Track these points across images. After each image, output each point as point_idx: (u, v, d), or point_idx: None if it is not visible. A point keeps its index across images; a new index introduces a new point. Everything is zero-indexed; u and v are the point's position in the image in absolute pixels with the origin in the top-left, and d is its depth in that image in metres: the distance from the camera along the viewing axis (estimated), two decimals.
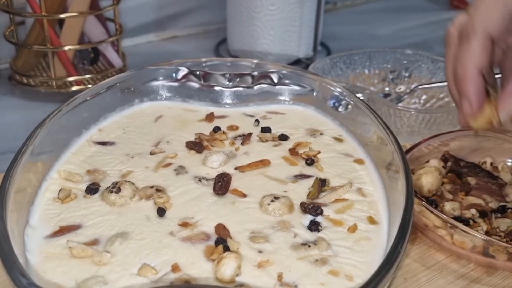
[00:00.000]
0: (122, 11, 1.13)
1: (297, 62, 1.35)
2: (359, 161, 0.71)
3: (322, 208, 0.62)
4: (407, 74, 1.08)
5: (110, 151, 0.72)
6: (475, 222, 0.73)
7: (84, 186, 0.65)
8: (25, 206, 0.60)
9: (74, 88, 1.13)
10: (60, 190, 0.63)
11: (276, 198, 0.62)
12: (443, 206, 0.75)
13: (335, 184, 0.67)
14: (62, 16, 1.08)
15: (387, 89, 1.07)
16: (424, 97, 1.04)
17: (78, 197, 0.63)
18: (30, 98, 1.16)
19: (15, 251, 0.48)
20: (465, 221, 0.73)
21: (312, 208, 0.61)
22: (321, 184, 0.66)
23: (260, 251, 0.56)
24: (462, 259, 0.70)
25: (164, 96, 0.84)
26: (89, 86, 1.14)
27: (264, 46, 1.30)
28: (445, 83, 0.93)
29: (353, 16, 1.73)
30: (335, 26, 1.58)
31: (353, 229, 0.59)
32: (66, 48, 1.10)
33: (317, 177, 0.66)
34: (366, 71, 1.08)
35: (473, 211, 0.76)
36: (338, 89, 0.78)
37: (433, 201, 0.76)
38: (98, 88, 0.77)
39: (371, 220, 0.61)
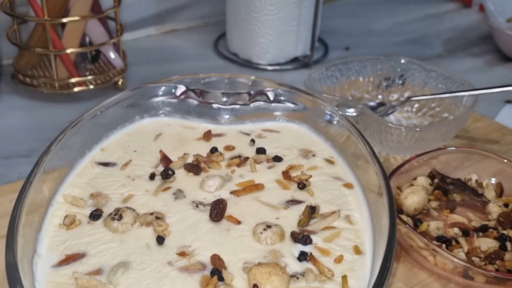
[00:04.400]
0: (121, 5, 1.15)
1: (294, 60, 1.38)
2: (348, 186, 0.75)
3: (312, 236, 0.66)
4: (400, 82, 1.11)
5: (112, 173, 0.75)
6: (457, 242, 0.77)
7: (87, 211, 0.69)
8: (33, 234, 0.64)
9: (76, 89, 1.16)
10: (65, 216, 0.67)
11: (268, 226, 0.66)
12: (428, 225, 0.79)
13: (325, 210, 0.71)
14: (64, 20, 1.10)
15: (380, 97, 1.10)
16: (416, 105, 1.07)
17: (82, 223, 0.67)
18: (33, 98, 1.19)
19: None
20: (448, 241, 0.77)
21: (302, 237, 0.65)
22: (311, 211, 0.69)
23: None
24: (443, 279, 0.74)
25: (164, 112, 0.87)
26: (91, 87, 1.17)
27: (262, 45, 1.33)
28: (436, 96, 0.96)
29: (351, 8, 1.75)
30: (333, 20, 1.60)
31: (339, 260, 0.63)
32: (68, 51, 1.13)
33: (307, 205, 0.70)
34: (361, 78, 1.11)
35: (456, 230, 0.80)
36: (328, 110, 0.82)
37: (418, 219, 0.80)
38: (101, 107, 0.80)
39: (357, 250, 0.65)
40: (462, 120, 0.96)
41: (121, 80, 1.21)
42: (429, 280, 0.74)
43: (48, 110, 1.16)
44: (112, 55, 1.21)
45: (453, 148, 0.89)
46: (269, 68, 1.35)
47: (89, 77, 1.18)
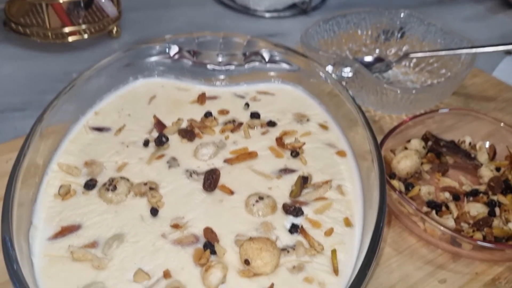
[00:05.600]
0: None
1: (292, 6, 1.35)
2: (341, 153, 0.76)
3: (303, 207, 0.68)
4: (399, 35, 1.09)
5: (106, 139, 0.76)
6: (447, 207, 0.79)
7: (82, 180, 0.69)
8: (29, 205, 0.65)
9: (70, 38, 1.14)
10: (60, 186, 0.68)
11: (261, 198, 0.67)
12: (420, 190, 0.80)
13: (317, 179, 0.72)
14: None
15: (378, 51, 1.08)
16: (414, 61, 1.06)
17: (77, 193, 0.68)
18: (26, 47, 1.17)
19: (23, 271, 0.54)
20: (438, 206, 0.78)
21: (293, 210, 0.66)
22: (304, 181, 0.70)
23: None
24: (431, 245, 0.76)
25: (158, 73, 0.86)
26: (85, 36, 1.15)
27: None
28: (434, 53, 0.95)
29: None
30: None
31: (329, 232, 0.65)
32: (61, 0, 1.10)
33: (299, 176, 0.71)
34: (359, 31, 1.09)
35: (447, 194, 0.81)
36: (322, 73, 0.81)
37: (410, 184, 0.81)
38: (95, 70, 0.79)
39: (347, 222, 0.66)
40: (459, 79, 0.95)
41: (115, 29, 1.19)
42: (418, 245, 0.76)
43: (41, 60, 1.15)
44: (106, 2, 1.18)
45: (448, 110, 0.89)
46: (267, 15, 1.32)
47: (83, 26, 1.16)
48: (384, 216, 0.60)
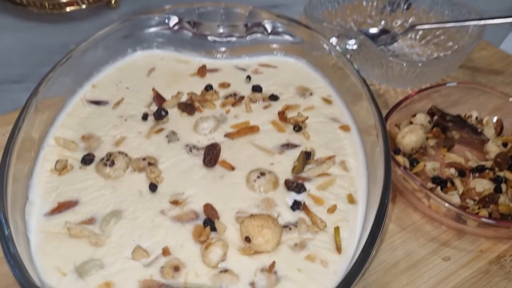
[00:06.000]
0: None
1: None
2: (345, 128, 0.74)
3: (305, 183, 0.66)
4: (405, 7, 1.06)
5: (104, 112, 0.74)
6: (452, 183, 0.77)
7: (79, 155, 0.68)
8: (24, 180, 0.64)
9: (68, 9, 1.11)
10: (57, 161, 0.66)
11: (262, 174, 0.65)
12: (424, 166, 0.79)
13: (320, 155, 0.70)
14: None
15: (383, 22, 1.05)
16: (420, 33, 1.03)
17: (74, 168, 0.66)
18: (24, 18, 1.15)
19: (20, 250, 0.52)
20: (443, 182, 0.77)
21: (295, 186, 0.65)
22: (306, 157, 0.68)
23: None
24: (435, 222, 0.75)
25: (157, 45, 0.84)
26: (83, 6, 1.12)
27: None
28: (441, 25, 0.93)
29: None
30: None
31: (332, 209, 0.63)
32: None
33: (302, 151, 0.69)
34: (364, 2, 1.06)
35: (452, 170, 0.80)
36: (326, 45, 0.79)
37: (415, 159, 0.80)
38: (92, 41, 0.77)
39: (350, 199, 0.65)
40: (466, 52, 0.92)
41: None
42: (422, 222, 0.75)
43: (39, 31, 1.12)
44: None
45: (455, 84, 0.86)
46: None
47: None
48: (389, 194, 0.58)
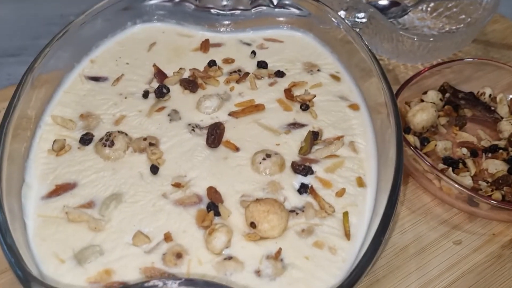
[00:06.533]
0: None
1: None
2: (354, 107, 0.71)
3: (313, 165, 0.63)
4: None
5: (103, 89, 0.71)
6: (464, 164, 0.74)
7: (78, 134, 0.65)
8: (20, 161, 0.61)
9: None
10: (54, 141, 0.64)
11: (268, 156, 0.62)
12: (436, 145, 0.76)
13: (328, 135, 0.67)
14: None
15: None
16: (432, 5, 0.99)
17: (73, 149, 0.64)
18: None
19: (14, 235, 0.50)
20: (455, 163, 0.74)
21: (303, 169, 0.62)
22: (314, 137, 0.66)
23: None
24: (447, 204, 0.72)
25: (158, 18, 0.80)
26: None
27: None
28: None
29: None
30: None
31: (340, 193, 0.61)
32: None
33: (309, 131, 0.66)
34: None
35: (464, 150, 0.77)
36: (334, 18, 0.75)
37: (426, 138, 0.77)
38: (90, 14, 0.73)
39: (360, 182, 0.62)
40: (480, 25, 0.89)
41: None
42: (432, 204, 0.72)
43: (35, 1, 1.09)
44: None
45: (470, 59, 0.83)
46: None
47: None
48: (401, 177, 0.55)
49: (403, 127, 0.77)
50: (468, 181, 0.71)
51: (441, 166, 0.74)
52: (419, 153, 0.71)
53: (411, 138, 0.75)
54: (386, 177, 0.59)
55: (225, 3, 0.79)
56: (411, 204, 0.72)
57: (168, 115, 0.68)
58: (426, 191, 0.74)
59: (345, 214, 0.59)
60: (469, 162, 0.74)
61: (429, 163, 0.69)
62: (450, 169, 0.73)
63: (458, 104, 0.82)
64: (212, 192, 0.60)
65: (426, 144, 0.76)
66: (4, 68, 0.94)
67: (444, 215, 0.71)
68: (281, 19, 0.81)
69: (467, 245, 0.68)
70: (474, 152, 0.77)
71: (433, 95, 0.81)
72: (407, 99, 0.81)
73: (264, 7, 0.80)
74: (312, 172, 0.62)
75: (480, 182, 0.72)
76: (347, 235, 0.57)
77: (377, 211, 0.57)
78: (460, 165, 0.74)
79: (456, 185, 0.68)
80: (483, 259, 0.67)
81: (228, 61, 0.76)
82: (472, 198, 0.68)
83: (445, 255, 0.67)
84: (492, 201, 0.67)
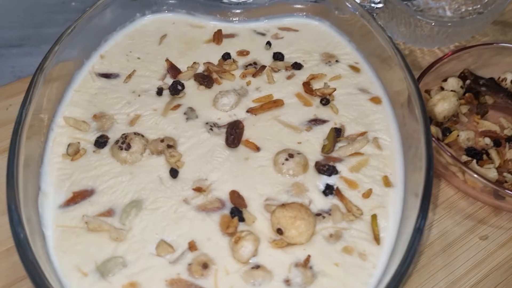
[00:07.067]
0: None
1: None
2: (376, 100, 0.68)
3: (337, 164, 0.61)
4: None
5: (115, 87, 0.68)
6: (488, 155, 0.72)
7: (92, 136, 0.63)
8: (35, 167, 0.59)
9: None
10: (69, 145, 0.61)
11: (291, 156, 0.60)
12: (458, 136, 0.74)
13: (351, 131, 0.65)
14: None
15: None
16: None
17: (88, 152, 0.62)
18: None
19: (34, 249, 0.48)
20: (478, 155, 0.72)
21: (327, 169, 0.60)
22: (336, 134, 0.64)
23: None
24: (470, 197, 0.70)
25: (168, 8, 0.77)
26: None
27: None
28: None
29: None
30: None
31: (367, 194, 0.59)
32: None
33: (332, 128, 0.64)
34: None
35: (487, 140, 0.75)
36: (349, 4, 0.72)
37: (447, 129, 0.75)
38: (98, 7, 0.70)
39: (386, 182, 0.60)
40: (501, 7, 0.85)
41: None
42: (456, 198, 0.71)
43: None
44: None
45: (492, 45, 0.80)
46: None
47: None
48: (432, 180, 0.53)
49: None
50: (493, 173, 0.70)
51: (464, 158, 0.72)
52: (442, 145, 0.68)
53: (433, 128, 0.73)
54: (414, 176, 0.57)
55: None
56: (434, 198, 0.71)
57: (184, 113, 0.66)
58: (449, 184, 0.72)
59: (374, 217, 0.57)
60: (493, 153, 0.72)
61: (453, 155, 0.67)
62: (474, 161, 0.71)
63: (479, 91, 0.80)
64: (235, 196, 0.58)
65: (448, 134, 0.74)
66: (8, 60, 0.91)
67: (469, 209, 0.70)
68: (296, 6, 0.78)
69: (493, 240, 0.67)
70: (497, 142, 0.75)
71: (453, 83, 0.78)
72: (426, 87, 0.79)
73: None
74: (336, 172, 0.60)
75: (505, 174, 0.71)
76: (377, 239, 0.55)
77: (407, 214, 0.55)
78: (484, 157, 0.72)
79: (482, 179, 0.66)
80: (510, 255, 0.65)
81: (243, 53, 0.73)
82: (497, 191, 0.67)
83: (471, 251, 0.66)
84: None
